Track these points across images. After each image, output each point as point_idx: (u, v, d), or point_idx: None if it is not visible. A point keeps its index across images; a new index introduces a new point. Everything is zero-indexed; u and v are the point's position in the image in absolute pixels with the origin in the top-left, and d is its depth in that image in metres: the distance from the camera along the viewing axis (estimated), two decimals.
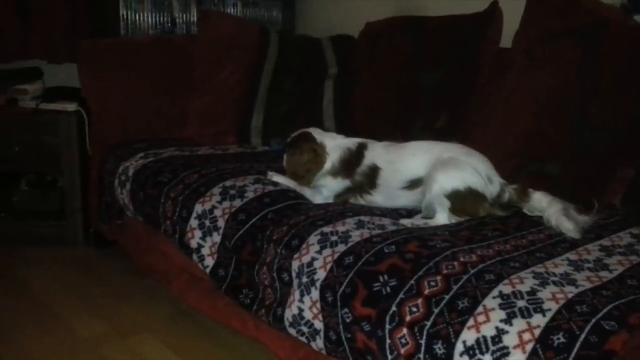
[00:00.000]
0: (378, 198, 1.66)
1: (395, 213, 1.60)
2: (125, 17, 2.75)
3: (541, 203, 1.52)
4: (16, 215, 2.64)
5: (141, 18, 2.79)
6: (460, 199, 1.51)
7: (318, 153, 1.70)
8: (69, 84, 2.75)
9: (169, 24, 2.85)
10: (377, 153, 1.68)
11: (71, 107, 2.57)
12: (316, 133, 1.76)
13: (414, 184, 1.61)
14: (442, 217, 1.52)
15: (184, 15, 2.88)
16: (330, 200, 1.70)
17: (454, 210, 1.52)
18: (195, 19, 2.86)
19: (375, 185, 1.65)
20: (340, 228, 1.44)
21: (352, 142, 1.73)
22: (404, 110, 2.22)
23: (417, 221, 1.55)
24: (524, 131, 1.82)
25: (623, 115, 1.69)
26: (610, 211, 1.60)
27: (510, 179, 1.64)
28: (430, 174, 1.55)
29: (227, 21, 2.61)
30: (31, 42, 2.82)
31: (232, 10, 2.97)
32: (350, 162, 1.69)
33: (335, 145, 1.72)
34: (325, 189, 1.71)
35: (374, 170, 1.65)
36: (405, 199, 1.63)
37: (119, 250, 2.40)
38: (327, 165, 1.70)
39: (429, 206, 1.55)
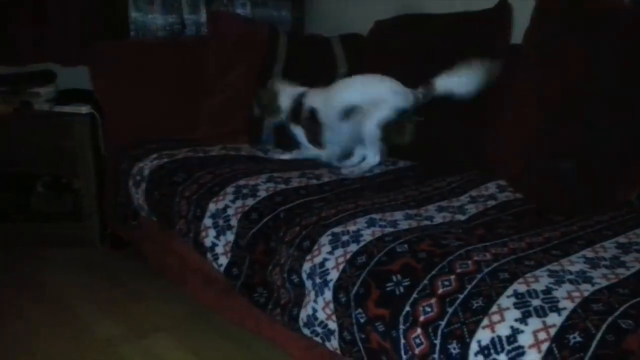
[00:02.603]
0: None
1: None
2: (134, 19, 2.76)
3: None
4: (33, 217, 2.66)
5: (150, 20, 2.80)
6: None
7: None
8: (79, 86, 2.77)
9: (178, 25, 2.86)
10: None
11: (85, 109, 2.59)
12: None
13: None
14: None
15: (194, 17, 2.88)
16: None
17: None
18: (204, 20, 2.87)
19: None
20: (352, 227, 1.44)
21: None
22: None
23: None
24: (535, 129, 1.81)
25: (636, 110, 1.67)
26: (627, 208, 1.58)
27: (523, 177, 1.62)
28: None
29: (236, 22, 2.61)
30: (46, 45, 2.84)
31: (241, 10, 2.97)
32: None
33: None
34: None
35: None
36: None
37: (135, 251, 2.42)
38: None
39: None
